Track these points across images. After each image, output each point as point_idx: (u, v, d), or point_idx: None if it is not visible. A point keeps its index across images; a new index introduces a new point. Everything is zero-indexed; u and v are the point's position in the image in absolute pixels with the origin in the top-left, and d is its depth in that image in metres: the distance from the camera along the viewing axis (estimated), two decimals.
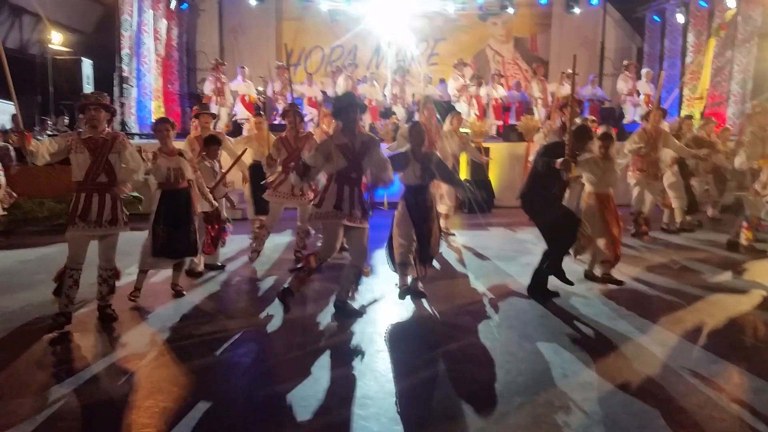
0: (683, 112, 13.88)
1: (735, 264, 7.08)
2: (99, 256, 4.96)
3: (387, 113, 13.62)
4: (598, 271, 6.18)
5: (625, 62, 14.28)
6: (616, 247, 5.96)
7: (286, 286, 5.08)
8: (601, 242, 5.95)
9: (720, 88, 14.00)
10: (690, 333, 4.69)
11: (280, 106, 13.11)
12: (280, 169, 7.04)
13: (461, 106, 12.95)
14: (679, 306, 5.41)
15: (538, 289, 5.69)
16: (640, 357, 4.20)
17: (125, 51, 12.65)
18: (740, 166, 7.69)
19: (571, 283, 5.66)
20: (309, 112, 12.80)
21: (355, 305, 5.38)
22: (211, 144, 6.55)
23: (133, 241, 5.45)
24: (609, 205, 6.05)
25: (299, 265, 5.20)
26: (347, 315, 5.14)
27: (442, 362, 4.16)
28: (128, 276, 5.58)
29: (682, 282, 6.21)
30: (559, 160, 5.22)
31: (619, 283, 6.02)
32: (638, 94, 13.88)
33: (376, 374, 3.90)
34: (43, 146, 4.65)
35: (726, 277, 6.48)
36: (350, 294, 5.37)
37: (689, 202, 8.87)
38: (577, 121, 7.54)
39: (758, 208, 7.76)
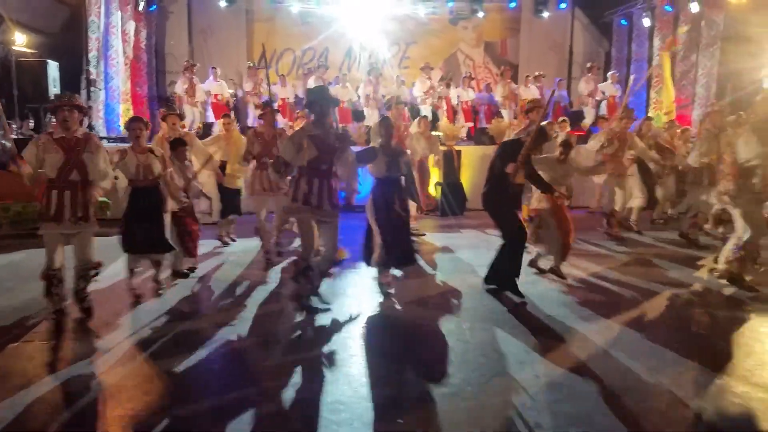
0: (650, 114, 14.16)
1: (694, 260, 7.32)
2: (75, 255, 5.04)
3: (359, 115, 13.62)
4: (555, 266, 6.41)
5: (588, 65, 14.49)
6: (567, 243, 6.22)
7: (298, 293, 5.45)
8: (556, 238, 6.22)
9: (685, 92, 14.32)
10: (658, 333, 4.79)
11: (251, 108, 13.04)
12: (253, 165, 7.17)
13: (426, 109, 13.09)
14: (648, 307, 5.53)
15: (507, 285, 5.80)
16: (611, 358, 4.27)
17: (92, 53, 12.40)
18: (693, 162, 7.97)
19: (521, 296, 5.70)
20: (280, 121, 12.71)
21: (323, 302, 5.51)
22: (177, 146, 6.48)
23: (105, 247, 5.38)
24: (559, 203, 6.29)
25: (295, 275, 5.48)
26: (310, 309, 5.30)
27: (416, 366, 4.18)
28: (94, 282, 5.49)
29: (649, 280, 6.34)
30: (510, 166, 5.40)
31: (563, 277, 6.29)
32: (603, 94, 14.11)
33: (350, 379, 3.90)
34: (32, 167, 4.79)
35: (689, 274, 6.64)
36: (315, 286, 5.55)
37: (648, 200, 9.09)
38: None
39: (703, 206, 8.03)
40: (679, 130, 9.77)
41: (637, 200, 9.09)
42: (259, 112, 7.49)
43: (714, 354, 4.37)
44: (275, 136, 7.06)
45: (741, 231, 6.01)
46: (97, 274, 5.19)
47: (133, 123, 5.71)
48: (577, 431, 3.25)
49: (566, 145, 6.48)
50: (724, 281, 6.16)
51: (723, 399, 3.64)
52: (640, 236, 8.90)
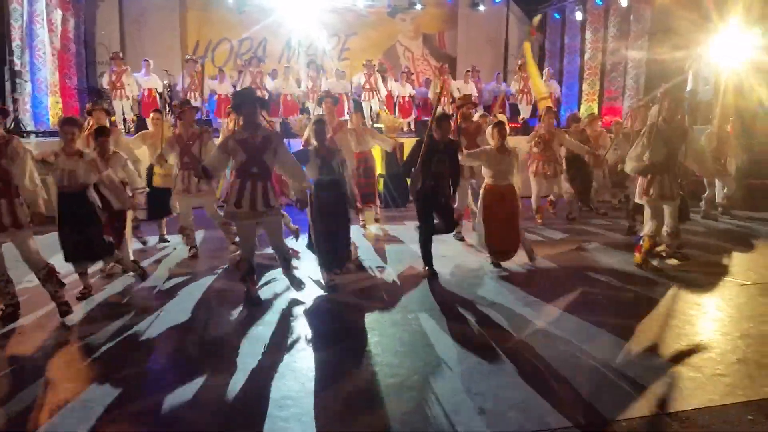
0: (582, 107, 14.65)
1: (631, 247, 7.55)
2: (24, 261, 4.95)
3: (306, 111, 13.51)
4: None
5: (519, 62, 14.80)
6: (513, 239, 6.42)
7: (246, 293, 5.40)
8: (492, 234, 6.41)
9: (615, 83, 14.87)
10: (596, 318, 4.94)
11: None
12: (177, 167, 7.09)
13: (366, 102, 13.33)
14: (586, 292, 5.71)
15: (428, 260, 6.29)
16: (552, 344, 4.39)
17: (16, 43, 11.79)
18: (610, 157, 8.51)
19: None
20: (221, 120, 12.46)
21: (268, 296, 5.54)
22: (99, 136, 6.08)
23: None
24: (506, 198, 6.37)
25: (240, 276, 5.45)
26: (254, 304, 5.32)
27: (364, 357, 4.20)
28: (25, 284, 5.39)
29: (587, 267, 6.57)
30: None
31: (498, 265, 6.55)
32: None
33: (297, 374, 3.89)
34: None
35: (625, 260, 6.89)
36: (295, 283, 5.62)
37: (583, 191, 9.43)
38: (476, 117, 8.22)
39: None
40: (607, 122, 10.12)
41: (570, 195, 9.45)
42: (178, 111, 7.28)
43: (649, 336, 4.56)
44: (194, 135, 7.00)
45: (645, 224, 6.50)
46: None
47: (66, 125, 5.38)
48: (517, 416, 3.34)
49: (499, 125, 6.38)
50: (668, 268, 6.55)
51: (657, 378, 3.81)
52: (578, 224, 9.21)
